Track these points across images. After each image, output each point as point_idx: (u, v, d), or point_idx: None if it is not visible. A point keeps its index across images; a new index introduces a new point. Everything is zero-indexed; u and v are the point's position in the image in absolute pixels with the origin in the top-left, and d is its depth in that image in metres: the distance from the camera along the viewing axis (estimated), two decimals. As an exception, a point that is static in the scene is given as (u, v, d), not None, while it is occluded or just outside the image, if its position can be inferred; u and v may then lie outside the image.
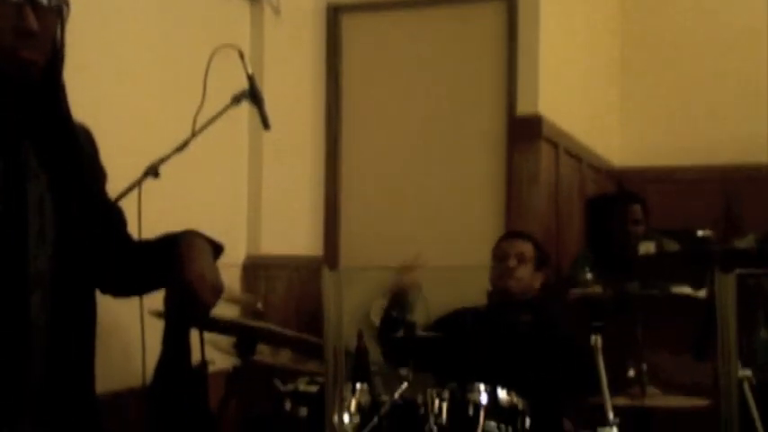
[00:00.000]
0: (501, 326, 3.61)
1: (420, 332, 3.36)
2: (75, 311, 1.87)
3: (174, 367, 2.02)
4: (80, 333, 1.91)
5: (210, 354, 2.17)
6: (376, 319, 4.09)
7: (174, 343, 2.02)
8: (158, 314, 2.08)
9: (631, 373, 3.45)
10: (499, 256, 3.69)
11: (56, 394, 1.83)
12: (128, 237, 2.11)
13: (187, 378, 2.06)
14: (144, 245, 2.08)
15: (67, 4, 1.86)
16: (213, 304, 1.97)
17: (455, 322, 3.71)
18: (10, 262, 1.77)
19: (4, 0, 1.75)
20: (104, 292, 2.07)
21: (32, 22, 1.77)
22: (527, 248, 3.69)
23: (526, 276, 3.64)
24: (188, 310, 1.97)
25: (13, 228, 1.78)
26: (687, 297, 4.09)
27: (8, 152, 1.81)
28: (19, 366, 1.77)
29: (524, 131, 4.59)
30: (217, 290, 1.96)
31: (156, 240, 2.06)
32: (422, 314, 3.78)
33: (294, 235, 4.75)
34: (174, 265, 1.95)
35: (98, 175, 2.05)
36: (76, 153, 1.92)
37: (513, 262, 3.63)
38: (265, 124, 2.61)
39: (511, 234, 3.89)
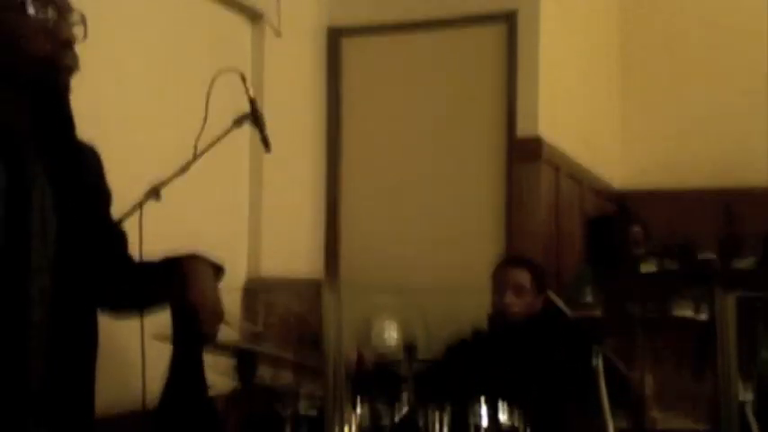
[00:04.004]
0: (501, 347, 3.61)
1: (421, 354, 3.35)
2: (75, 316, 1.89)
3: (180, 392, 2.02)
4: (80, 338, 1.91)
5: (210, 377, 2.17)
6: (377, 341, 4.09)
7: (182, 367, 2.02)
8: (159, 337, 2.08)
9: (633, 394, 3.44)
10: (497, 285, 3.67)
11: (56, 397, 1.83)
12: (128, 258, 2.12)
13: (199, 404, 2.06)
14: (145, 265, 2.09)
15: (85, 22, 1.96)
16: (215, 331, 1.97)
17: (458, 346, 3.71)
18: (12, 268, 1.77)
19: (43, 11, 1.86)
20: (104, 310, 2.07)
21: (71, 32, 1.90)
22: (524, 278, 3.65)
23: (524, 308, 3.62)
24: (191, 333, 1.97)
25: (15, 234, 1.79)
26: (688, 319, 4.08)
27: (15, 160, 1.82)
28: (19, 369, 1.78)
29: (524, 153, 4.60)
30: (218, 315, 1.97)
31: (157, 261, 2.07)
32: (422, 335, 3.78)
33: (295, 258, 4.75)
34: (176, 287, 1.95)
35: (103, 194, 2.07)
36: (81, 167, 1.94)
37: (510, 297, 3.61)
38: (266, 147, 2.61)
39: (509, 262, 3.84)
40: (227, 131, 2.48)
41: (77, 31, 1.93)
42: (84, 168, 1.98)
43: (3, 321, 1.78)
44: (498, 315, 3.65)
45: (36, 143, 1.88)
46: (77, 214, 1.90)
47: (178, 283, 1.96)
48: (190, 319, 1.94)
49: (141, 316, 2.09)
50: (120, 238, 2.12)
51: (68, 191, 1.89)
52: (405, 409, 2.89)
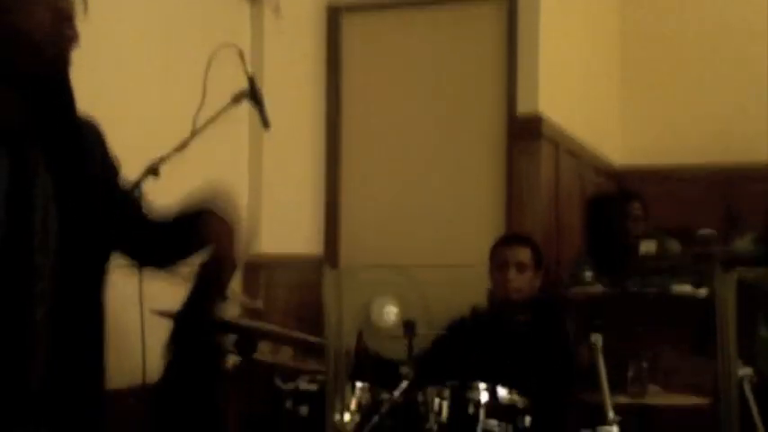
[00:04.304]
0: (502, 326, 3.62)
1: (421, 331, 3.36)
2: (78, 309, 1.88)
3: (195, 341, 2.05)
4: (84, 331, 1.91)
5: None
6: (377, 319, 4.10)
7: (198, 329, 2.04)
8: (158, 312, 2.08)
9: (631, 371, 3.45)
10: (498, 263, 3.67)
11: (59, 393, 1.83)
12: (147, 218, 2.15)
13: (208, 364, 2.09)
14: (169, 216, 2.15)
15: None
16: (236, 261, 2.02)
17: (457, 325, 3.72)
18: (14, 261, 1.77)
19: None
20: (143, 265, 2.11)
21: (71, 3, 1.90)
22: (525, 255, 3.66)
23: (526, 284, 3.64)
24: (214, 268, 2.00)
25: (17, 232, 1.79)
26: (687, 296, 4.09)
27: (17, 151, 1.82)
28: (20, 367, 1.78)
29: (524, 131, 4.60)
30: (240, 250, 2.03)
31: (181, 215, 2.13)
32: (421, 312, 3.79)
33: (294, 234, 4.76)
34: (202, 223, 2.02)
35: (109, 168, 2.06)
36: (83, 152, 1.93)
37: (512, 273, 3.62)
38: (265, 124, 2.61)
39: (509, 239, 3.85)
40: (226, 108, 2.48)
41: (78, 4, 1.92)
42: (88, 150, 1.97)
43: (4, 320, 1.77)
44: (500, 292, 3.66)
45: (37, 132, 1.87)
46: (80, 205, 1.90)
47: (204, 219, 2.00)
48: (213, 252, 1.98)
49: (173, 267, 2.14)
50: (135, 202, 2.13)
51: (71, 181, 1.89)
52: (404, 385, 2.90)
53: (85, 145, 1.98)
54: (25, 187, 1.82)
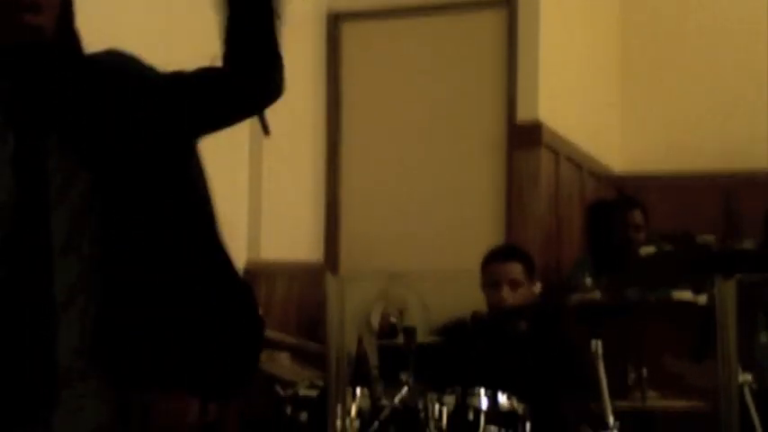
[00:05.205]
0: (501, 332, 3.61)
1: (421, 339, 3.36)
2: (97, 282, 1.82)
3: None
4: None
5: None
6: (375, 323, 4.09)
7: None
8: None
9: (632, 377, 3.45)
10: (491, 281, 3.62)
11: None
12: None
13: None
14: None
15: None
16: None
17: (457, 329, 3.70)
18: (31, 246, 1.75)
19: None
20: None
21: None
22: (517, 271, 3.61)
23: (521, 298, 3.61)
24: None
25: (31, 206, 1.75)
26: (687, 303, 4.09)
27: (25, 128, 1.78)
28: (43, 338, 1.75)
29: (524, 138, 4.60)
30: None
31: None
32: (421, 319, 3.78)
33: (294, 240, 4.76)
34: None
35: (154, 88, 2.00)
36: (104, 104, 1.86)
37: (506, 292, 3.57)
38: (265, 130, 2.61)
39: (498, 255, 3.74)
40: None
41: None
42: (111, 96, 1.88)
43: (27, 302, 1.75)
44: (496, 308, 3.62)
45: (47, 102, 1.80)
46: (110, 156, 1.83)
47: None
48: None
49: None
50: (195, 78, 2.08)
51: (95, 137, 1.82)
52: (404, 391, 2.90)
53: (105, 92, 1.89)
54: (37, 160, 1.76)
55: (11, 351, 1.75)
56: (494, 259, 3.71)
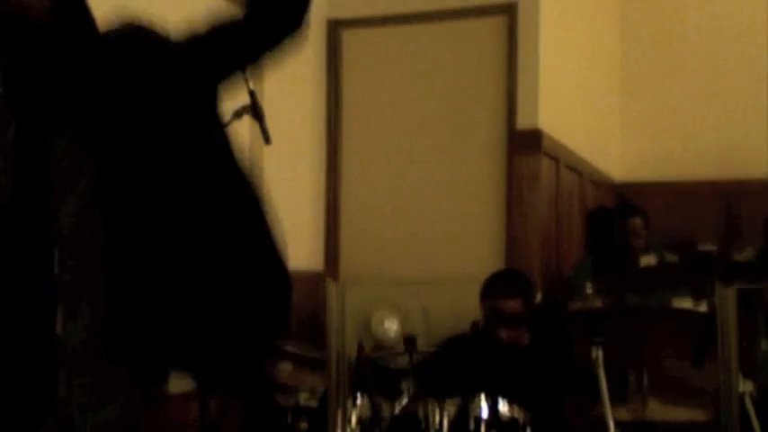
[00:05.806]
0: (501, 342, 3.60)
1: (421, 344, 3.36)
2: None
3: None
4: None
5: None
6: (377, 334, 4.10)
7: None
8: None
9: (632, 385, 3.44)
10: (490, 317, 3.56)
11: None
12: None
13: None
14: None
15: None
16: None
17: (457, 342, 3.70)
18: (33, 233, 1.74)
19: None
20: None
21: None
22: (517, 307, 3.56)
23: (519, 336, 3.56)
24: None
25: (33, 192, 1.74)
26: (688, 311, 4.09)
27: (26, 115, 1.75)
28: (46, 325, 1.74)
29: (524, 145, 4.61)
30: None
31: None
32: (422, 328, 3.79)
33: (294, 249, 4.74)
34: None
35: (166, 56, 2.00)
36: (113, 80, 1.83)
37: (504, 332, 3.52)
38: (266, 139, 2.63)
39: (499, 292, 3.64)
40: (227, 123, 2.48)
41: None
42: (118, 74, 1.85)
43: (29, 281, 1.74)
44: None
45: (50, 87, 1.78)
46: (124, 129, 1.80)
47: None
48: None
49: None
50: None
51: (107, 114, 1.80)
52: (405, 401, 2.90)
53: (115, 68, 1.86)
54: (39, 145, 1.74)
55: (11, 339, 1.74)
56: (493, 294, 3.63)
